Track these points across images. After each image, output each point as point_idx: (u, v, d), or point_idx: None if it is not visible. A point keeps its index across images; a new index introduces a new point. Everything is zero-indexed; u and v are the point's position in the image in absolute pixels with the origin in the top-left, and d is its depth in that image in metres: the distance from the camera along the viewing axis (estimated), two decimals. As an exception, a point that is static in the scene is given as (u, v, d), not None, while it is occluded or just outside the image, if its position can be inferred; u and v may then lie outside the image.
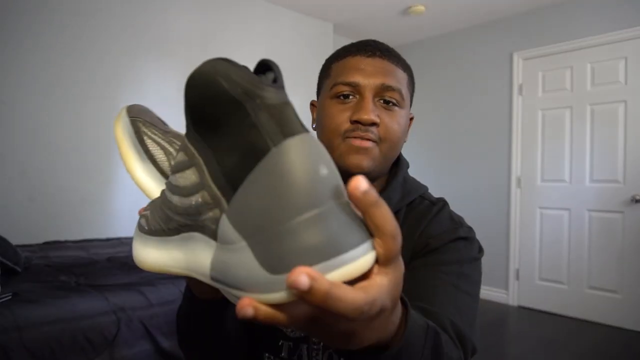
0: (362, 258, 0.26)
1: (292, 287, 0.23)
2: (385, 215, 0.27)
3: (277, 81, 0.28)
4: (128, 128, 0.49)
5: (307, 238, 0.25)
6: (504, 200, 3.70)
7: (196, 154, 0.30)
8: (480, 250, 0.70)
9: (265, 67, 0.30)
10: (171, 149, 0.47)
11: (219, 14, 3.24)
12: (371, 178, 0.70)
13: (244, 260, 0.26)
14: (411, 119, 0.77)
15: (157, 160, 0.47)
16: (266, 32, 3.50)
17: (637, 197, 3.02)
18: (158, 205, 0.37)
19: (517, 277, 3.61)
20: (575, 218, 3.32)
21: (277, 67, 0.30)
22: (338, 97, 0.68)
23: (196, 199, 0.30)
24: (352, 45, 0.71)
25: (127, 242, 2.54)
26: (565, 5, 3.39)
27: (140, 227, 0.40)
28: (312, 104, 0.78)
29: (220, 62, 0.27)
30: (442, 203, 0.74)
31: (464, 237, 0.68)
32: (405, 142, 0.74)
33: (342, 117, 0.66)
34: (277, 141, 0.26)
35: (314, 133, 0.74)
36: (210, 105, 0.27)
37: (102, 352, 1.47)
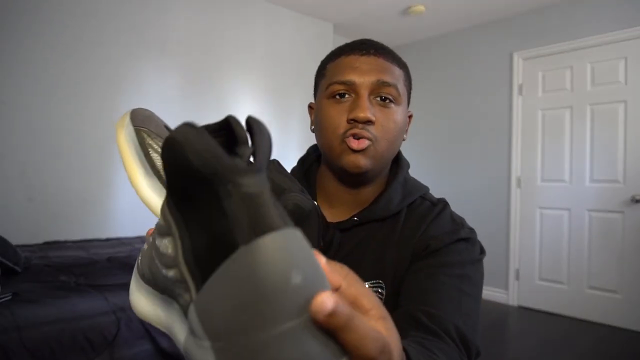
0: None
1: None
2: (360, 339, 0.22)
3: (256, 158, 0.25)
4: (132, 138, 0.46)
5: (274, 358, 0.21)
6: (504, 200, 3.70)
7: (173, 224, 0.27)
8: (482, 251, 0.70)
9: (248, 126, 0.26)
10: None
11: (219, 14, 3.24)
12: (370, 177, 0.70)
13: None
14: (410, 116, 0.77)
15: (162, 175, 0.44)
16: (266, 32, 3.50)
17: (637, 197, 3.02)
18: (150, 250, 0.31)
19: (517, 277, 3.61)
20: (575, 218, 3.32)
21: (260, 131, 0.26)
22: (334, 96, 0.68)
23: (172, 273, 0.27)
24: (346, 45, 0.71)
25: (127, 242, 2.54)
26: (565, 5, 3.39)
27: (137, 265, 0.35)
28: (310, 106, 0.78)
29: (191, 131, 0.23)
30: (442, 204, 0.73)
31: (465, 238, 0.67)
32: (404, 139, 0.73)
33: (339, 118, 0.66)
34: (246, 239, 0.22)
35: (314, 138, 0.74)
36: (183, 177, 0.24)
37: (102, 352, 1.47)
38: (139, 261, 0.35)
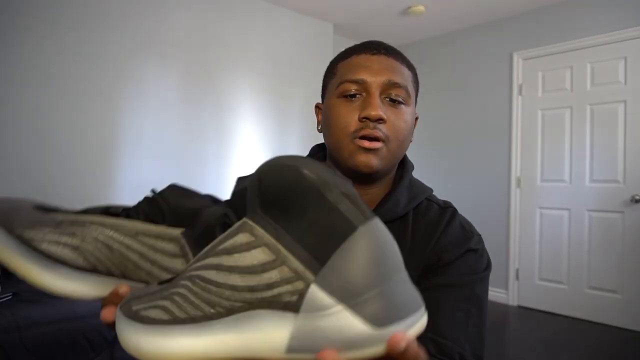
0: (424, 316, 0.33)
1: (392, 347, 0.29)
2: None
3: (338, 174, 0.34)
4: (8, 242, 0.40)
5: (398, 297, 0.31)
6: (504, 200, 3.70)
7: (266, 234, 0.33)
8: (489, 264, 0.71)
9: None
10: (77, 241, 0.41)
11: (219, 14, 3.24)
12: (379, 177, 0.70)
13: (342, 321, 0.30)
14: (416, 118, 0.77)
15: (68, 260, 0.40)
16: (266, 32, 3.50)
17: (637, 197, 3.02)
18: (185, 291, 0.35)
19: (517, 277, 3.61)
20: (575, 218, 3.32)
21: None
22: (345, 96, 0.68)
23: (270, 275, 0.32)
24: (357, 45, 0.72)
25: (127, 242, 2.54)
26: (565, 5, 3.39)
27: (149, 320, 0.34)
28: (317, 107, 0.77)
29: (300, 157, 0.33)
30: (452, 210, 0.73)
31: (474, 249, 0.68)
32: (411, 141, 0.73)
33: (350, 116, 0.66)
34: (361, 222, 0.31)
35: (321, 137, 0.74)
36: (289, 192, 0.32)
37: (102, 352, 1.47)
38: (156, 313, 0.35)
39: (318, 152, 0.79)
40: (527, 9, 3.56)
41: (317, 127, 0.75)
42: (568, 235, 3.35)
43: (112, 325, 0.39)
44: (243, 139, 3.37)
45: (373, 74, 0.66)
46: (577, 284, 3.29)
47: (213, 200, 0.47)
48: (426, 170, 4.11)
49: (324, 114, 0.73)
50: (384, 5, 3.56)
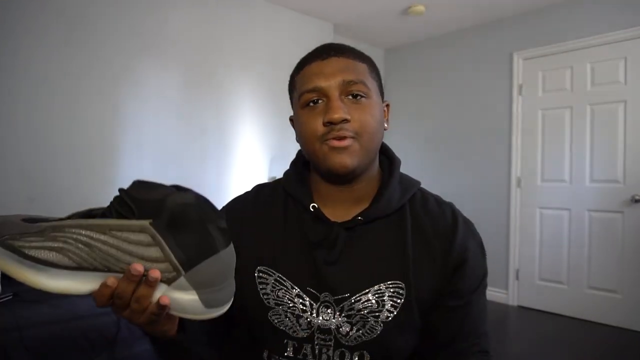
0: (225, 309, 0.54)
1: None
2: None
3: (220, 214, 0.52)
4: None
5: (223, 296, 0.53)
6: (504, 200, 3.70)
7: (162, 241, 0.47)
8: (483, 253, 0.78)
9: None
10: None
11: (218, 14, 3.24)
12: (358, 173, 0.71)
13: (192, 300, 0.50)
14: (387, 105, 0.78)
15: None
16: (266, 32, 3.50)
17: (637, 197, 3.02)
18: (75, 243, 0.46)
19: (517, 277, 3.61)
20: (575, 218, 3.32)
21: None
22: (307, 105, 0.70)
23: (157, 266, 0.48)
24: (308, 54, 0.74)
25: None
26: (565, 5, 3.39)
27: (42, 261, 0.45)
28: (291, 119, 0.80)
29: (198, 197, 0.51)
30: (450, 204, 0.77)
31: (483, 247, 0.75)
32: (386, 129, 0.75)
33: (315, 122, 0.68)
34: (222, 247, 0.51)
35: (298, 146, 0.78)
36: (187, 220, 0.48)
37: (102, 352, 1.47)
38: (55, 256, 0.46)
39: (301, 156, 0.82)
40: (527, 9, 3.56)
41: (296, 138, 0.78)
42: (568, 235, 3.35)
43: (107, 306, 0.50)
44: (243, 139, 3.37)
45: (326, 78, 0.68)
46: (577, 284, 3.29)
47: (177, 188, 0.51)
48: (426, 170, 4.11)
49: (295, 126, 0.76)
50: (384, 5, 3.56)
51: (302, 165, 0.81)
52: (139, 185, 0.49)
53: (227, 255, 0.52)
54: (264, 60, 3.46)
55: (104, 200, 2.28)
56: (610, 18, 3.16)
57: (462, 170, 3.97)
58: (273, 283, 0.71)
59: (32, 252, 0.46)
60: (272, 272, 0.71)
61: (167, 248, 0.47)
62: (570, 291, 3.32)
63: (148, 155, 2.89)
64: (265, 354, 0.72)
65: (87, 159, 2.67)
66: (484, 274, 0.74)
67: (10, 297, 1.50)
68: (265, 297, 0.70)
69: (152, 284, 0.47)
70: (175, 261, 0.48)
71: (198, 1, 3.14)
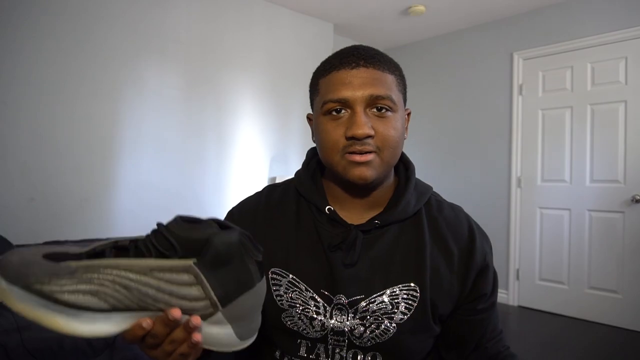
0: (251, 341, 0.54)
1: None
2: None
3: (259, 248, 0.52)
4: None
5: (253, 327, 0.53)
6: (504, 200, 3.70)
7: (205, 280, 0.46)
8: None
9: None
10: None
11: (219, 14, 3.24)
12: (377, 184, 0.72)
13: (227, 334, 0.50)
14: (409, 114, 0.77)
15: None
16: (266, 32, 3.50)
17: (638, 197, 3.02)
18: (111, 284, 0.44)
19: (517, 277, 3.61)
20: (576, 218, 3.32)
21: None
22: (330, 112, 0.68)
23: (196, 304, 0.47)
24: (335, 57, 0.71)
25: (127, 243, 2.54)
26: (565, 5, 3.39)
27: (77, 306, 0.43)
28: (309, 117, 0.78)
29: (243, 235, 0.50)
30: (460, 208, 0.79)
31: (489, 244, 0.78)
32: (405, 139, 0.74)
33: (336, 134, 0.67)
34: (258, 281, 0.51)
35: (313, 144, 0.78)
36: (230, 258, 0.48)
37: (102, 353, 1.47)
38: (92, 299, 0.43)
39: (313, 156, 0.80)
40: (527, 9, 3.56)
41: (312, 137, 0.76)
42: (568, 236, 3.35)
43: (135, 343, 0.49)
44: (243, 139, 3.37)
45: (354, 90, 0.66)
46: (577, 284, 3.29)
47: (219, 225, 0.50)
48: (426, 170, 4.11)
49: (314, 129, 0.74)
50: (384, 5, 3.56)
51: (315, 165, 0.80)
52: (181, 221, 0.47)
53: (261, 288, 0.52)
54: (264, 60, 3.46)
55: (104, 200, 2.29)
56: (611, 18, 3.16)
57: (462, 170, 3.97)
58: (287, 285, 0.70)
59: (66, 297, 0.42)
60: (285, 274, 0.71)
61: (208, 287, 0.46)
62: (570, 291, 3.32)
63: (148, 155, 2.89)
64: (277, 354, 0.72)
65: (87, 158, 2.67)
66: (496, 274, 0.77)
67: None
68: (278, 298, 0.70)
69: (191, 330, 0.46)
70: (215, 298, 0.47)
71: (198, 1, 3.13)
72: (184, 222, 0.47)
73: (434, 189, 0.81)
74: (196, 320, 0.46)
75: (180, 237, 0.46)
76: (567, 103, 3.39)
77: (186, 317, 0.46)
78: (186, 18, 3.08)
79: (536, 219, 3.54)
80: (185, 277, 0.45)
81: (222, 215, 0.87)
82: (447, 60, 4.13)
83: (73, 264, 0.44)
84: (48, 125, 2.53)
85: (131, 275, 0.44)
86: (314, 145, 0.77)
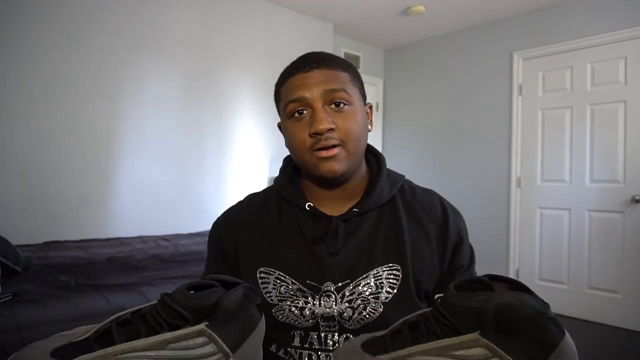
0: None
1: None
2: None
3: (257, 291, 0.55)
4: None
5: (260, 353, 0.56)
6: (504, 200, 3.70)
7: (217, 338, 0.48)
8: None
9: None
10: None
11: (218, 13, 3.24)
12: (348, 175, 0.76)
13: None
14: (370, 107, 0.82)
15: None
16: (266, 32, 3.50)
17: (637, 197, 3.02)
18: None
19: (517, 277, 3.61)
20: (576, 218, 3.32)
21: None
22: (293, 115, 0.74)
23: (212, 358, 0.48)
24: (291, 66, 0.77)
25: (127, 242, 2.54)
26: (565, 5, 3.39)
27: None
28: (279, 126, 0.84)
29: (246, 288, 0.53)
30: (432, 191, 0.85)
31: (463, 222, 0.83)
32: (369, 130, 0.79)
33: (302, 133, 0.72)
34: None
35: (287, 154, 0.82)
36: (237, 312, 0.51)
37: (102, 352, 1.46)
38: None
39: (289, 162, 0.86)
40: (527, 9, 3.56)
41: (285, 144, 0.81)
42: (568, 235, 3.35)
43: None
44: (243, 139, 3.37)
45: (310, 89, 0.72)
46: (577, 284, 3.29)
47: (223, 285, 0.53)
48: (426, 170, 4.11)
49: (284, 134, 0.79)
50: (384, 5, 3.56)
51: (291, 170, 0.85)
52: (186, 291, 0.49)
53: (262, 326, 0.55)
54: (263, 60, 3.46)
55: (104, 200, 2.29)
56: (610, 18, 3.16)
57: (462, 171, 3.97)
58: (274, 281, 0.74)
59: None
60: (272, 271, 0.75)
61: (220, 342, 0.48)
62: (570, 291, 3.32)
63: (148, 155, 2.89)
64: (273, 347, 0.76)
65: (86, 158, 2.67)
66: (472, 248, 0.83)
67: (10, 297, 1.50)
68: (267, 295, 0.74)
69: None
70: (227, 349, 0.49)
71: (198, 1, 3.13)
72: (188, 292, 0.50)
73: (434, 189, 0.85)
74: None
75: (189, 307, 0.48)
76: (567, 103, 3.39)
77: None
78: (186, 18, 3.08)
79: (536, 219, 3.54)
80: (200, 340, 0.47)
81: (219, 213, 0.87)
82: (447, 60, 4.13)
83: (86, 358, 0.43)
84: (47, 125, 2.53)
85: (150, 354, 0.45)
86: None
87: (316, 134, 0.70)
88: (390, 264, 0.73)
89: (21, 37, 2.43)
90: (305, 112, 0.72)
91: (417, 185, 0.85)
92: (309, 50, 0.81)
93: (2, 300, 1.47)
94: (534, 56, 3.56)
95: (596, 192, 3.23)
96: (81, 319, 1.48)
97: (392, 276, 0.73)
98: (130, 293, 1.64)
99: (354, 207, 0.76)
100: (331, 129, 0.70)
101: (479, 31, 3.91)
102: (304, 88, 0.72)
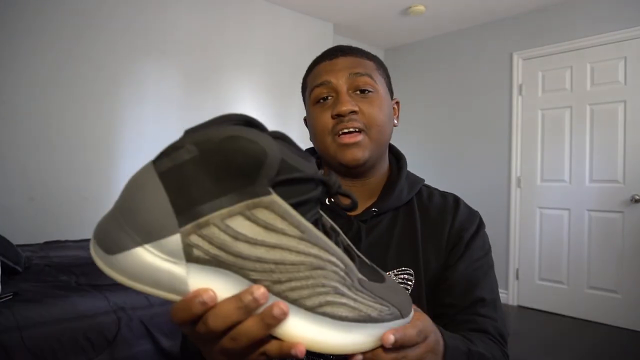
0: None
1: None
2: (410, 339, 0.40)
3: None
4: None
5: None
6: (504, 200, 3.70)
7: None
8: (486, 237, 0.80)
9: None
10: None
11: (219, 13, 3.24)
12: (370, 165, 0.74)
13: None
14: (397, 103, 0.81)
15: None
16: (266, 32, 3.50)
17: (637, 197, 3.02)
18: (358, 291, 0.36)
19: (517, 277, 3.61)
20: (575, 218, 3.32)
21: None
22: (318, 101, 0.73)
23: None
24: (318, 56, 0.77)
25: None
26: (565, 5, 3.39)
27: (341, 317, 0.35)
28: (305, 120, 0.82)
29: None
30: (453, 195, 0.81)
31: (483, 223, 0.77)
32: (396, 125, 0.78)
33: (325, 116, 0.71)
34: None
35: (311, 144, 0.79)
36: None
37: (103, 351, 1.47)
38: (343, 310, 0.35)
39: (313, 153, 0.84)
40: (527, 9, 3.57)
41: (310, 138, 0.80)
42: (568, 235, 3.35)
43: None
44: (243, 139, 3.37)
45: (335, 73, 0.71)
46: (577, 284, 3.29)
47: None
48: (426, 170, 4.11)
49: (308, 122, 0.78)
50: (384, 5, 3.56)
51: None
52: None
53: None
54: (264, 59, 3.46)
55: (104, 199, 2.31)
56: (610, 18, 3.17)
57: (462, 170, 3.97)
58: None
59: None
60: None
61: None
62: (570, 291, 3.32)
63: (148, 155, 2.88)
64: None
65: (87, 158, 2.67)
66: (489, 250, 0.75)
67: (10, 297, 1.50)
68: None
69: None
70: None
71: (198, 1, 3.14)
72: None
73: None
74: None
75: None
76: (566, 103, 3.39)
77: None
78: (186, 18, 3.08)
79: (536, 219, 3.54)
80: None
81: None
82: (447, 60, 4.14)
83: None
84: (47, 124, 2.53)
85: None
86: (312, 145, 0.80)
87: (339, 116, 0.69)
88: (403, 268, 0.71)
89: (22, 38, 2.43)
90: (329, 97, 0.72)
91: (436, 190, 0.82)
92: (309, 50, 0.81)
93: (2, 300, 1.47)
94: (533, 56, 3.57)
95: (596, 192, 3.23)
96: (82, 319, 1.48)
97: (404, 281, 0.71)
98: (131, 292, 1.65)
99: (372, 206, 0.74)
100: (354, 111, 0.69)
101: (479, 31, 3.91)
102: (330, 73, 0.72)
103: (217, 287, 0.33)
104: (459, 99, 4.03)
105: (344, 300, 0.35)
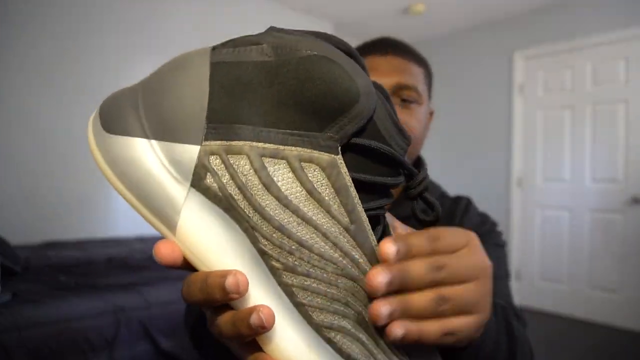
0: None
1: None
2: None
3: None
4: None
5: None
6: (504, 200, 3.70)
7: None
8: (505, 242, 0.76)
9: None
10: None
11: (218, 13, 3.24)
12: None
13: None
14: (431, 113, 0.77)
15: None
16: (266, 32, 3.49)
17: (638, 197, 3.02)
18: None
19: (518, 277, 3.61)
20: (576, 218, 3.32)
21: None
22: None
23: None
24: (366, 44, 0.72)
25: (126, 242, 2.54)
26: (566, 5, 3.39)
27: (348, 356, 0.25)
28: None
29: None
30: (466, 199, 0.78)
31: (495, 224, 0.74)
32: (426, 137, 0.75)
33: None
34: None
35: None
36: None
37: (102, 352, 1.46)
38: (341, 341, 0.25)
39: None
40: (527, 9, 3.56)
41: None
42: (568, 235, 3.35)
43: None
44: (243, 139, 3.37)
45: (382, 76, 0.66)
46: (577, 284, 3.29)
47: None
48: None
49: None
50: (384, 4, 3.56)
51: None
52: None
53: None
54: (264, 59, 3.46)
55: (103, 200, 2.29)
56: (612, 18, 3.16)
57: (462, 170, 3.97)
58: None
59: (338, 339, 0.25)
60: None
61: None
62: (570, 291, 3.32)
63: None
64: None
65: (85, 158, 2.66)
66: (503, 250, 0.70)
67: (10, 297, 1.49)
68: None
69: None
70: None
71: (198, 1, 3.13)
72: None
73: None
74: None
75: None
76: (567, 103, 3.39)
77: None
78: (186, 17, 3.07)
79: (536, 219, 3.54)
80: None
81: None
82: (447, 59, 4.13)
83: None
84: (45, 124, 2.52)
85: None
86: None
87: None
88: None
89: (19, 37, 2.42)
90: None
91: (449, 195, 0.80)
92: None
93: (1, 300, 1.46)
94: (534, 56, 3.56)
95: (597, 192, 3.23)
96: (80, 320, 1.47)
97: None
98: (130, 293, 1.64)
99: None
100: None
101: (479, 30, 3.90)
102: (377, 74, 0.66)
103: (210, 237, 0.25)
104: (459, 99, 4.02)
105: (362, 336, 0.25)
